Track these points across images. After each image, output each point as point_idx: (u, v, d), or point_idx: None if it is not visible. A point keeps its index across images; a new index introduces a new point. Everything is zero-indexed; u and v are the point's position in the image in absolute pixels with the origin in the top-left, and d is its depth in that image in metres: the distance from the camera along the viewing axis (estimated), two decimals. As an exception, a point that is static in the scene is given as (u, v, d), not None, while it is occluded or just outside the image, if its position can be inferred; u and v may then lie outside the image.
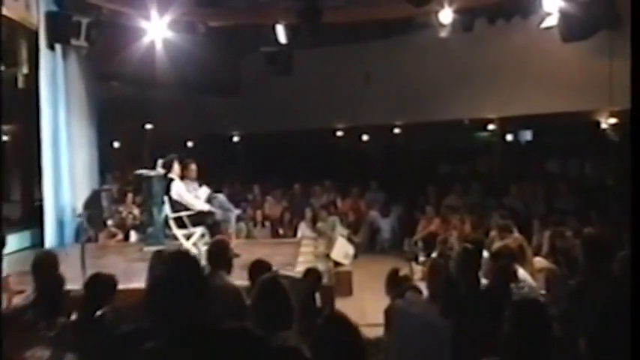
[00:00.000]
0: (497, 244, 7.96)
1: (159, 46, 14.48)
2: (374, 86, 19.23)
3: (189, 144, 23.21)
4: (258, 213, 14.78)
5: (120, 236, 14.08)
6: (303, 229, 14.43)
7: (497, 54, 16.22)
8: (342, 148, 21.43)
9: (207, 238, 10.60)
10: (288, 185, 17.05)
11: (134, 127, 19.68)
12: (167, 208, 10.44)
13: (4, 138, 14.15)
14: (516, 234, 9.09)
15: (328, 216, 14.67)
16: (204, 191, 11.30)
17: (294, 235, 14.45)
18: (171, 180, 10.48)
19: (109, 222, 14.00)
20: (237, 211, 11.31)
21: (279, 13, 14.05)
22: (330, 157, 20.39)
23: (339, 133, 21.17)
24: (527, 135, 19.99)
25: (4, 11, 11.03)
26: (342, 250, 10.78)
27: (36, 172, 13.02)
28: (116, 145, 20.72)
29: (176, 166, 10.66)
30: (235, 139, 22.82)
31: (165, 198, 10.44)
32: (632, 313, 3.99)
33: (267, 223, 14.75)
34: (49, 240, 13.07)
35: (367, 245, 14.88)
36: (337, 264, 10.75)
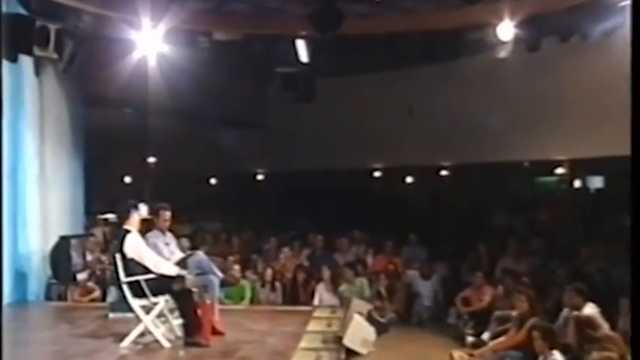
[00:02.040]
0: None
1: (152, 63, 11.90)
2: (417, 120, 16.65)
3: (213, 181, 20.74)
4: (268, 272, 11.90)
5: (96, 293, 11.38)
6: (322, 293, 11.52)
7: (570, 81, 13.22)
8: (378, 192, 18.64)
9: (167, 313, 7.88)
10: (311, 234, 14.14)
11: (133, 160, 17.10)
12: (120, 270, 7.67)
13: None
14: (610, 333, 6.19)
15: (355, 277, 11.75)
16: (176, 246, 8.61)
17: (312, 299, 11.55)
18: (127, 232, 7.73)
19: (81, 276, 11.36)
20: (220, 275, 8.48)
21: (292, 21, 11.32)
22: (362, 203, 17.54)
23: (376, 175, 18.36)
24: (596, 181, 17.01)
25: None
26: (359, 334, 7.84)
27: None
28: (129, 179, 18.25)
29: (136, 215, 7.90)
30: (259, 177, 20.16)
31: (117, 256, 7.67)
32: (632, 313, 4.11)
33: (278, 284, 11.85)
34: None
35: (402, 314, 11.87)
36: (352, 352, 7.81)
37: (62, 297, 11.34)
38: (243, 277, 11.83)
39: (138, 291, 7.60)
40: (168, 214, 8.51)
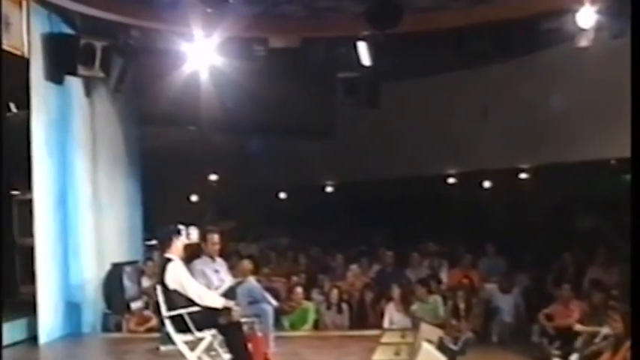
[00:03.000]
0: None
1: (206, 76, 11.30)
2: (492, 121, 15.51)
3: (282, 195, 20.09)
4: (334, 292, 11.07)
5: (153, 322, 10.71)
6: (392, 314, 10.67)
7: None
8: (452, 199, 17.62)
9: (217, 347, 7.14)
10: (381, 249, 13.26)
11: (194, 179, 16.55)
12: (161, 303, 6.99)
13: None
14: None
15: (428, 294, 10.85)
16: (227, 273, 7.91)
17: (382, 321, 10.69)
18: (168, 261, 7.04)
19: (136, 304, 10.76)
20: (274, 303, 7.75)
21: (350, 21, 10.52)
22: (435, 212, 16.58)
23: (450, 181, 17.36)
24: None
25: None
26: (428, 366, 6.96)
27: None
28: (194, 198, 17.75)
29: (178, 241, 7.19)
30: (329, 189, 19.39)
31: (158, 287, 6.99)
32: (632, 313, 4.18)
33: (345, 306, 11.01)
34: (51, 329, 9.87)
35: (480, 333, 10.88)
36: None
37: (119, 327, 10.81)
38: (308, 298, 11.08)
39: (182, 325, 6.89)
40: (216, 237, 7.87)
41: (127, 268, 10.91)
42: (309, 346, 8.86)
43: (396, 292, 10.75)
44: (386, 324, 10.49)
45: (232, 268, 11.56)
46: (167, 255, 7.12)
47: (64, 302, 10.32)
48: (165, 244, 7.18)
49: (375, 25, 9.39)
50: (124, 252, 11.89)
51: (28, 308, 9.75)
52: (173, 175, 15.02)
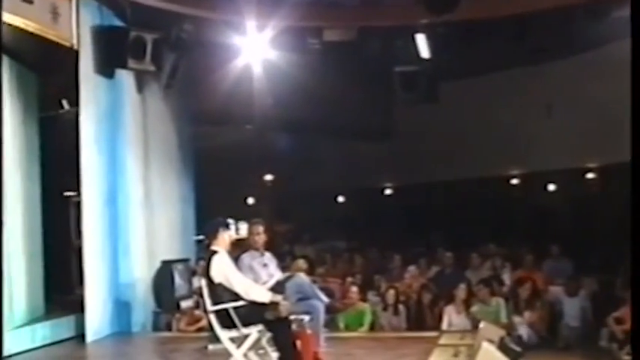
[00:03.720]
0: None
1: (259, 71, 11.05)
2: (557, 119, 14.83)
3: (340, 199, 19.70)
4: (391, 293, 10.62)
5: (204, 322, 10.38)
6: (452, 316, 10.16)
7: None
8: (515, 200, 16.94)
9: (265, 344, 6.79)
10: (440, 250, 12.74)
11: (249, 179, 16.26)
12: (206, 297, 6.68)
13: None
14: None
15: (489, 296, 10.33)
16: (277, 268, 7.58)
17: (440, 323, 10.20)
18: (213, 253, 6.72)
19: (186, 303, 10.50)
20: (325, 300, 7.36)
21: (407, 9, 10.12)
22: (497, 214, 15.98)
23: (513, 182, 16.74)
24: None
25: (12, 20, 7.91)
26: (489, 367, 6.47)
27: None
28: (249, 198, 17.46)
29: (225, 234, 6.87)
30: (387, 192, 18.93)
31: (202, 281, 6.69)
32: (632, 312, 4.09)
33: (402, 307, 10.56)
34: (100, 328, 9.69)
35: (545, 337, 10.30)
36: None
37: (170, 327, 10.56)
38: (363, 299, 10.67)
39: (227, 321, 6.56)
40: (261, 229, 7.51)
41: (178, 266, 10.65)
42: (362, 347, 8.47)
43: (455, 293, 10.25)
44: (444, 326, 10.00)
45: (286, 269, 11.35)
46: (213, 247, 6.82)
47: (113, 301, 10.17)
48: (211, 236, 6.87)
49: (432, 10, 8.96)
50: (175, 251, 11.70)
51: (78, 307, 9.58)
52: (227, 174, 14.76)
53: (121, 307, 10.36)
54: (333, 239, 16.26)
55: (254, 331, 6.58)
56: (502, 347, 6.83)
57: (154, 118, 11.44)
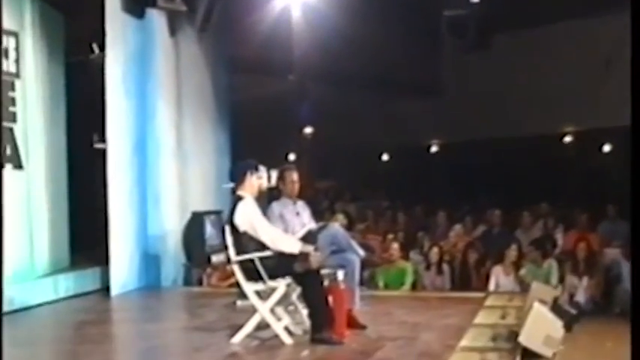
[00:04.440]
0: None
1: (297, 14, 10.38)
2: (616, 74, 13.77)
3: (385, 157, 18.99)
4: (434, 251, 9.95)
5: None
6: (499, 277, 9.47)
7: None
8: (570, 159, 16.03)
9: (295, 300, 6.23)
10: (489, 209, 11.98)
11: (290, 131, 15.60)
12: (230, 246, 6.12)
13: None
14: None
15: (542, 258, 9.61)
16: (311, 218, 6.99)
17: (487, 285, 9.53)
18: (239, 199, 6.14)
19: (217, 257, 9.94)
20: (361, 253, 6.73)
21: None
22: (550, 172, 15.11)
23: (567, 140, 15.87)
24: None
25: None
26: (541, 329, 5.76)
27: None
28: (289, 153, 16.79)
29: (253, 178, 6.27)
30: (433, 149, 18.21)
31: (227, 228, 6.12)
32: (632, 312, 4.00)
33: (446, 267, 9.91)
34: (126, 281, 9.24)
35: (600, 302, 9.59)
36: (530, 353, 5.77)
37: (202, 282, 10.07)
38: (405, 258, 10.05)
39: (252, 273, 6.00)
40: (295, 175, 6.89)
41: (210, 218, 10.05)
42: (403, 307, 7.84)
43: (505, 254, 9.55)
44: (491, 287, 9.34)
45: (324, 225, 10.75)
46: (240, 193, 6.24)
47: (141, 253, 9.71)
48: (239, 180, 6.27)
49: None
50: (209, 203, 11.06)
51: (105, 259, 9.12)
52: (266, 127, 14.12)
53: (150, 261, 9.89)
54: (375, 198, 15.59)
55: (282, 285, 6.01)
56: (556, 309, 6.15)
57: (188, 64, 10.79)
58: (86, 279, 9.20)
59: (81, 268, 9.40)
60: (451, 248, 10.54)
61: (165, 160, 10.17)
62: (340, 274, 6.34)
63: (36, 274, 8.52)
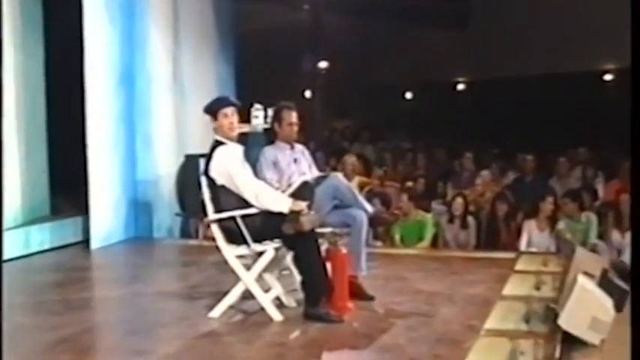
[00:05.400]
0: None
1: None
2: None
3: (408, 95, 17.84)
4: (458, 202, 8.78)
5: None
6: (532, 233, 8.32)
7: None
8: (609, 99, 14.69)
9: (291, 265, 5.17)
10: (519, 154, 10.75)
11: (302, 64, 14.34)
12: (207, 201, 5.04)
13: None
14: None
15: (579, 210, 8.42)
16: (312, 165, 5.90)
17: (518, 241, 8.38)
18: (217, 144, 5.04)
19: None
20: (369, 209, 5.59)
21: None
22: (588, 114, 13.83)
23: (607, 78, 14.57)
24: None
25: None
26: (586, 309, 4.62)
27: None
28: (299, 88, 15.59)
29: (234, 118, 5.15)
30: (460, 86, 17.09)
31: (202, 180, 5.04)
32: (632, 312, 3.78)
33: (471, 220, 8.75)
34: (110, 232, 8.23)
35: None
36: (573, 338, 4.67)
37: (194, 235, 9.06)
38: (426, 209, 8.93)
39: (234, 234, 4.93)
40: (293, 115, 5.73)
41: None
42: (419, 269, 6.76)
43: (539, 206, 8.38)
44: (523, 245, 8.19)
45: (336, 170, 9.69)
46: (217, 137, 5.13)
47: (128, 201, 8.70)
48: (216, 119, 5.15)
49: None
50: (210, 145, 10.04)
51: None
52: (275, 59, 12.90)
53: (140, 209, 8.90)
54: (396, 138, 14.41)
55: (270, 249, 4.95)
56: (604, 284, 5.02)
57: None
58: (65, 229, 8.20)
59: (60, 217, 8.39)
60: (477, 198, 9.38)
61: (157, 94, 9.04)
62: (342, 235, 5.29)
63: (6, 224, 7.49)
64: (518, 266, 6.80)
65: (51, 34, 8.53)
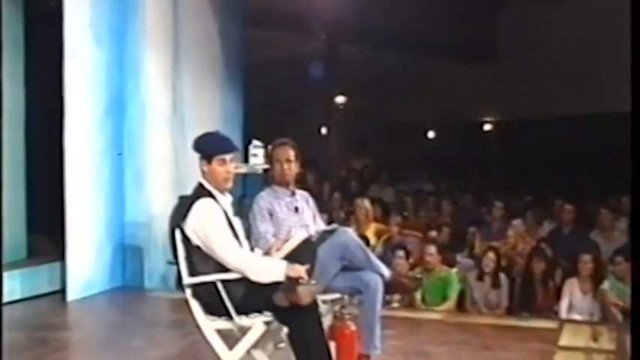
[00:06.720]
0: None
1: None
2: None
3: (431, 134, 16.99)
4: (489, 257, 7.67)
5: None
6: (574, 296, 7.20)
7: None
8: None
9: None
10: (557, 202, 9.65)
11: (318, 99, 13.45)
12: (181, 261, 4.01)
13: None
14: None
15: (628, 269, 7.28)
16: (315, 214, 4.87)
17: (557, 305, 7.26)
18: (201, 194, 4.04)
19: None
20: (386, 274, 4.50)
21: None
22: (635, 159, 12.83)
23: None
24: None
25: None
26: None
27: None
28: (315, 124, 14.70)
29: (214, 163, 4.14)
30: (487, 127, 16.59)
31: (176, 233, 4.01)
32: (632, 312, 3.63)
33: (504, 277, 7.63)
34: (90, 281, 7.25)
35: None
36: None
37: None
38: (451, 264, 7.85)
39: (214, 304, 3.90)
40: (291, 153, 4.72)
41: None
42: (445, 341, 5.67)
43: (581, 263, 7.27)
44: (563, 311, 7.09)
45: (350, 214, 8.70)
46: (204, 183, 4.13)
47: (114, 245, 7.74)
48: (209, 163, 4.15)
49: None
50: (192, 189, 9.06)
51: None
52: (288, 91, 11.99)
53: (129, 254, 7.95)
54: (418, 180, 13.38)
55: (258, 323, 3.88)
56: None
57: (188, 11, 8.72)
58: (39, 277, 7.24)
59: (34, 262, 7.41)
60: (510, 251, 8.28)
61: (152, 126, 8.15)
62: (351, 305, 4.25)
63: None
64: (563, 340, 5.71)
65: (31, 56, 7.63)
